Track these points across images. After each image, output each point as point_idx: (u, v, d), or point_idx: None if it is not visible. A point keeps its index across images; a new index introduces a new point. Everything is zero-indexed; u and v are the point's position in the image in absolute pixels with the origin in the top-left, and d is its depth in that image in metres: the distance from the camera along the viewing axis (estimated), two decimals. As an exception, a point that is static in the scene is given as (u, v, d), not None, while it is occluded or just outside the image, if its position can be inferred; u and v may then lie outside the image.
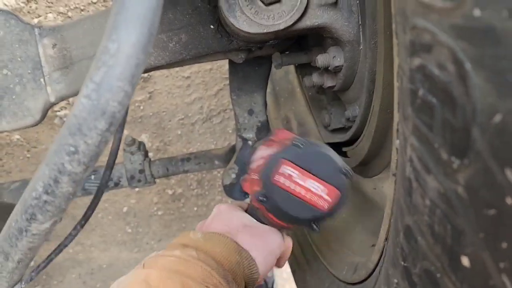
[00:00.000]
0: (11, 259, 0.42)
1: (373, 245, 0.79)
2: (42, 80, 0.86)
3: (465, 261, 0.29)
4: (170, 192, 1.72)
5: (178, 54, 0.86)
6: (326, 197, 0.60)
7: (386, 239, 0.53)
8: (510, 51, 0.26)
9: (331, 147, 0.66)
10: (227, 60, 1.30)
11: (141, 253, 1.81)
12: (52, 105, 0.88)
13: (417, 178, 0.34)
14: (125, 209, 1.74)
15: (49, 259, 0.46)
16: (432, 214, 0.32)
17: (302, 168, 0.60)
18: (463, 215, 0.29)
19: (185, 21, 0.83)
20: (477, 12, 0.27)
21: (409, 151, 0.35)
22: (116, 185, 1.16)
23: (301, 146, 0.60)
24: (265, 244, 0.67)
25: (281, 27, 0.74)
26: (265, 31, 0.74)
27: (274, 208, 0.62)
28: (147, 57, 0.36)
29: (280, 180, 0.60)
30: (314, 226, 0.63)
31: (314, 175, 0.60)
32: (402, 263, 0.40)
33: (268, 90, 1.07)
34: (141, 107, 1.60)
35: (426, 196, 0.33)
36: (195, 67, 1.56)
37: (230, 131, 1.69)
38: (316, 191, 0.60)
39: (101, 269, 1.79)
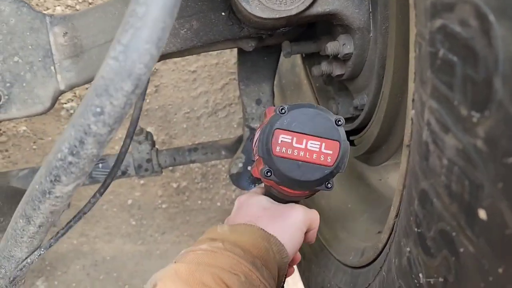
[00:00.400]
0: (32, 223, 0.43)
1: (379, 232, 0.80)
2: (52, 68, 0.86)
3: (482, 214, 0.30)
4: (174, 185, 1.73)
5: (189, 41, 0.87)
6: (328, 151, 0.60)
7: (397, 215, 0.53)
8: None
9: None
10: (233, 55, 1.30)
11: (145, 246, 1.82)
12: (62, 93, 0.89)
13: (434, 140, 0.35)
14: (129, 201, 1.75)
15: (68, 226, 0.47)
16: (450, 173, 0.33)
17: (295, 132, 0.60)
18: (482, 168, 0.30)
19: (197, 8, 0.84)
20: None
21: (426, 115, 0.36)
22: (124, 173, 1.17)
23: (286, 111, 0.60)
24: (288, 221, 0.67)
25: (293, 12, 0.75)
26: (277, 16, 0.75)
27: (283, 179, 0.61)
28: (172, 22, 0.37)
29: (278, 149, 0.60)
30: (328, 185, 0.62)
31: (308, 134, 0.60)
32: (416, 229, 0.41)
33: (274, 83, 1.08)
34: (147, 100, 1.61)
35: (444, 156, 0.34)
36: (201, 61, 1.57)
37: (236, 125, 1.69)
38: (316, 149, 0.60)
39: (105, 261, 1.80)
